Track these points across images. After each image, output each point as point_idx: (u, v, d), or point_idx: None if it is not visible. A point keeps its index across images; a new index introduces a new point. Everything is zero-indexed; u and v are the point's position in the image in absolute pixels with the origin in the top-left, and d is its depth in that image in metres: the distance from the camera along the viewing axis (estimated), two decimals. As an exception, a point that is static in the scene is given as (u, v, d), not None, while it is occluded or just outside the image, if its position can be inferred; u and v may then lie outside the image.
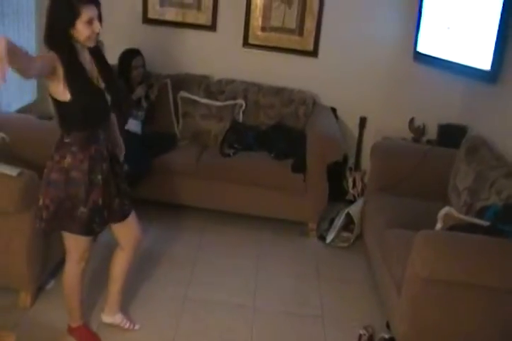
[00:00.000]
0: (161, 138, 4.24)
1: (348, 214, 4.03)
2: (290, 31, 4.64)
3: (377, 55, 4.64)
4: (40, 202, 2.44)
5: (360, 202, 4.13)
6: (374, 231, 3.60)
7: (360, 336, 2.99)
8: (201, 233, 4.04)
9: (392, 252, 3.10)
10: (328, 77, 4.67)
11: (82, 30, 2.25)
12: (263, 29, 4.66)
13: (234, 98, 4.45)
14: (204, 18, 4.69)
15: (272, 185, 3.99)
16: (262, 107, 4.47)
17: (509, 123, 3.77)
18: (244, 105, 4.44)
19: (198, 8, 4.68)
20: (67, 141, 2.39)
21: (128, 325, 2.89)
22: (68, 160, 2.39)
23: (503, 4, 3.55)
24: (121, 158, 2.78)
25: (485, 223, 2.84)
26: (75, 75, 2.29)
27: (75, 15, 2.22)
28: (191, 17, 4.68)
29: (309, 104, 4.48)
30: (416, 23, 4.39)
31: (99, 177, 2.45)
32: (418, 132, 4.56)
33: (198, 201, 4.12)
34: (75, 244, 2.56)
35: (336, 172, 4.36)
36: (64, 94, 2.28)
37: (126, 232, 2.69)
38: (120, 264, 2.75)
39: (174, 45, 4.73)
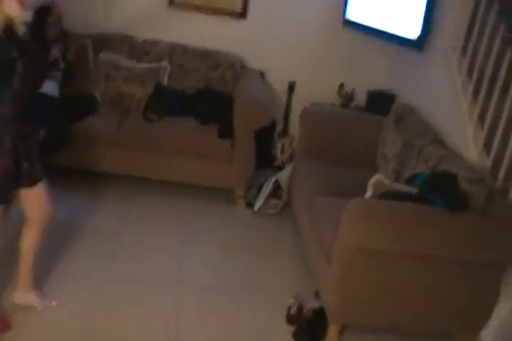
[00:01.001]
0: (80, 102, 3.99)
1: (277, 181, 3.96)
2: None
3: (307, 20, 4.53)
4: None
5: (288, 169, 4.07)
6: (303, 198, 3.55)
7: (290, 307, 2.94)
8: (124, 203, 3.86)
9: (322, 220, 3.06)
10: (257, 39, 4.52)
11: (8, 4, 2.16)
12: (191, -12, 4.42)
13: (159, 60, 4.22)
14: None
15: (198, 151, 3.86)
16: (188, 70, 4.27)
17: (434, 90, 3.79)
18: (169, 68, 4.22)
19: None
20: None
21: (42, 303, 2.68)
22: None
23: None
24: None
25: (414, 190, 2.83)
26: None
27: None
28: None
29: (237, 67, 4.33)
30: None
31: (8, 139, 2.27)
32: (347, 98, 4.52)
33: (120, 169, 3.93)
34: None
35: (264, 138, 4.25)
36: None
37: (35, 203, 2.50)
38: (28, 239, 2.56)
39: (95, 2, 4.42)
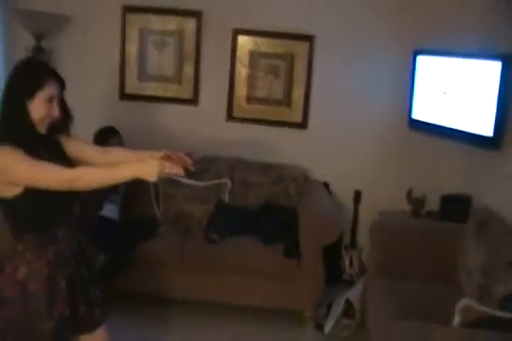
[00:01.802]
0: (141, 224, 3.90)
1: (348, 300, 3.65)
2: (277, 102, 4.42)
3: (369, 125, 4.42)
4: None
5: (359, 286, 3.76)
6: (378, 321, 3.21)
7: None
8: (189, 329, 3.61)
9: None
10: (318, 149, 4.42)
11: (39, 107, 1.98)
12: (248, 101, 4.44)
13: (219, 177, 4.14)
14: (185, 92, 4.48)
15: (263, 272, 3.63)
16: (250, 186, 4.16)
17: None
18: (230, 184, 4.13)
19: (179, 81, 4.48)
20: (19, 248, 2.03)
21: None
22: (23, 270, 2.01)
23: (502, 68, 3.38)
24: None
25: (509, 315, 2.49)
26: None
27: (38, 85, 1.97)
28: (172, 91, 4.48)
29: (300, 180, 4.18)
30: (409, 88, 4.19)
31: (63, 282, 2.08)
32: (417, 204, 4.25)
33: (183, 293, 3.72)
34: None
35: (331, 251, 4.00)
36: (11, 188, 1.95)
37: None
38: None
39: (154, 121, 4.49)
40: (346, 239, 4.32)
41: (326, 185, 4.35)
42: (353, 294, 3.68)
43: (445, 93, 3.93)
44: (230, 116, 4.46)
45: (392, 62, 4.33)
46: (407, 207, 4.25)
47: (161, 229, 3.93)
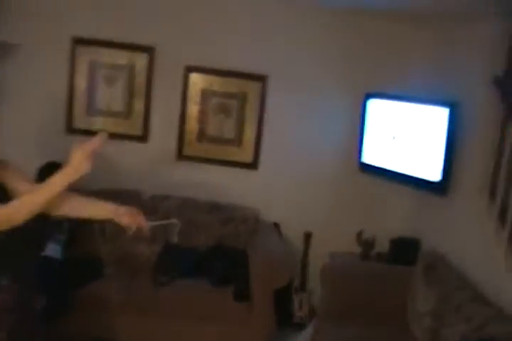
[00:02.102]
0: (85, 264, 3.74)
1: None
2: (228, 141, 4.38)
3: (320, 167, 4.43)
4: None
5: (309, 330, 3.69)
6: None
7: None
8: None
9: None
10: (269, 190, 4.39)
11: None
12: (199, 139, 4.39)
13: (167, 216, 4.01)
14: (135, 128, 4.39)
15: (213, 316, 3.53)
16: (200, 226, 4.06)
17: (462, 236, 3.55)
18: (179, 225, 4.01)
19: (127, 116, 4.39)
20: None
21: None
22: None
23: (449, 114, 3.46)
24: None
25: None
26: None
27: None
28: (121, 126, 4.37)
29: (251, 221, 4.13)
30: (359, 133, 4.23)
31: (3, 334, 1.93)
32: (367, 246, 4.26)
33: (129, 336, 3.56)
34: None
35: (281, 294, 3.92)
36: None
37: None
38: None
39: (101, 157, 4.32)
40: (296, 282, 4.25)
41: (277, 225, 4.31)
42: (303, 339, 3.61)
43: (394, 138, 3.99)
44: (180, 155, 4.39)
45: (344, 105, 4.38)
46: (357, 249, 4.25)
47: (106, 269, 3.77)
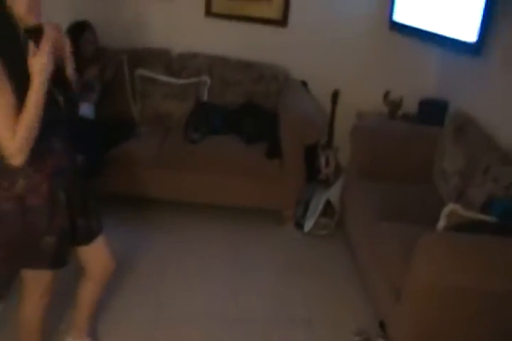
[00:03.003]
0: (118, 124, 3.80)
1: (328, 200, 3.74)
2: (258, -2, 4.19)
3: (350, 25, 4.28)
4: None
5: (338, 186, 3.85)
6: (360, 222, 3.34)
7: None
8: (169, 229, 3.67)
9: (387, 250, 2.85)
10: (298, 48, 4.29)
11: None
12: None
13: (198, 74, 4.01)
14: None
15: (245, 172, 3.65)
16: (229, 84, 4.05)
17: (495, 100, 3.54)
18: (209, 82, 4.01)
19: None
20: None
21: None
22: (21, 184, 1.89)
23: None
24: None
25: (492, 219, 2.61)
26: (15, 70, 1.75)
27: None
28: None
29: (281, 79, 4.10)
30: (392, -11, 4.04)
31: (62, 195, 1.98)
32: (394, 106, 4.27)
33: (163, 193, 3.73)
34: (38, 278, 2.11)
35: (308, 151, 4.02)
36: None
37: (95, 260, 2.26)
38: (88, 294, 2.36)
39: (129, 16, 4.22)
40: (322, 139, 4.34)
41: (304, 83, 4.29)
42: (333, 194, 3.78)
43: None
44: (209, 12, 4.23)
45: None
46: (383, 109, 4.28)
47: (138, 128, 3.84)
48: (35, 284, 2.14)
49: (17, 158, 1.78)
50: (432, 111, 4.02)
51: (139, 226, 3.66)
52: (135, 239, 3.52)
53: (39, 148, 1.87)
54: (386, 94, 4.28)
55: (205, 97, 4.00)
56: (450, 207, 2.68)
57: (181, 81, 3.95)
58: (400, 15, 4.06)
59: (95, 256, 2.25)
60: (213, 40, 4.24)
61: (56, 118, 1.96)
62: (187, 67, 4.03)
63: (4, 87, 1.72)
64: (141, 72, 3.96)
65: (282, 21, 4.25)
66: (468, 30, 3.49)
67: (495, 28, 3.44)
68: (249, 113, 3.86)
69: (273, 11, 4.23)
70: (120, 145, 3.62)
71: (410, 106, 4.22)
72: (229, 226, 3.76)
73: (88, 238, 2.17)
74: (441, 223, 2.67)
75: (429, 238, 2.47)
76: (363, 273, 3.21)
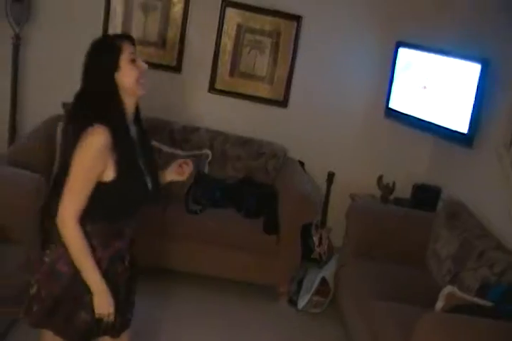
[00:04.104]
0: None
1: (323, 278, 3.77)
2: (260, 78, 4.42)
3: (348, 110, 4.51)
4: (34, 289, 1.94)
5: (332, 265, 3.90)
6: (354, 300, 3.37)
7: None
8: (164, 299, 3.61)
9: (386, 330, 2.87)
10: (297, 128, 4.47)
11: (128, 71, 1.90)
12: (231, 74, 4.42)
13: (200, 147, 4.12)
14: (168, 58, 4.39)
15: (243, 245, 3.68)
16: (229, 159, 4.17)
17: (486, 189, 3.69)
18: (210, 155, 4.12)
19: (163, 46, 4.38)
20: (88, 229, 1.88)
21: None
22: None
23: (481, 70, 3.52)
24: None
25: (488, 303, 2.68)
26: (125, 147, 1.88)
27: (117, 51, 1.88)
28: (155, 56, 4.35)
29: (280, 157, 4.24)
30: (389, 78, 4.29)
31: (113, 278, 1.98)
32: (386, 190, 4.41)
33: (160, 262, 3.71)
34: None
35: (301, 230, 4.10)
36: (106, 172, 1.85)
37: None
38: None
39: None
40: (316, 219, 4.42)
41: (301, 163, 4.43)
42: (328, 273, 3.81)
43: (425, 87, 4.05)
44: (212, 88, 4.43)
45: (375, 51, 4.43)
46: (376, 192, 4.41)
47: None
48: None
49: (60, 224, 1.84)
50: (425, 196, 4.16)
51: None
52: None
53: (115, 228, 1.95)
54: (380, 178, 4.43)
55: (206, 170, 4.10)
56: (448, 289, 2.75)
57: (184, 153, 4.05)
58: (396, 103, 4.29)
59: None
60: (215, 115, 4.40)
61: (141, 203, 2.05)
62: (190, 140, 4.14)
63: (102, 164, 1.82)
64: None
65: (283, 102, 4.46)
66: (460, 122, 3.71)
67: (485, 121, 3.67)
68: (248, 187, 3.95)
69: (274, 92, 4.44)
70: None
71: (402, 190, 4.37)
72: (223, 299, 3.74)
73: (118, 330, 2.08)
74: (440, 304, 2.72)
75: (428, 319, 2.51)
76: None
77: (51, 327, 1.97)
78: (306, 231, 4.15)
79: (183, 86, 4.43)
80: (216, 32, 4.36)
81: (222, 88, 4.44)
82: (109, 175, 1.85)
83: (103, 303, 1.91)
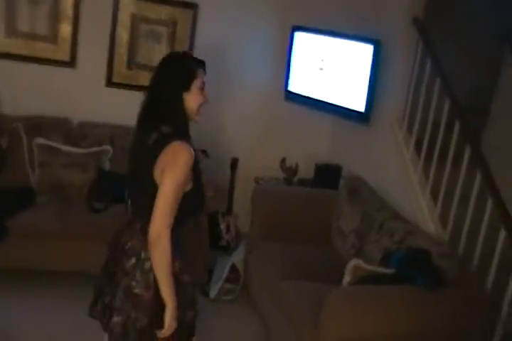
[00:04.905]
0: (15, 193, 3.67)
1: (233, 266, 3.78)
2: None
3: (248, 95, 4.54)
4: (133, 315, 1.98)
5: (241, 251, 3.90)
6: (265, 283, 3.40)
7: None
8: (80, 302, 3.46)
9: (295, 309, 2.92)
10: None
11: (196, 95, 2.02)
12: (129, 66, 4.31)
13: (99, 144, 4.00)
14: (61, 53, 4.20)
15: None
16: (131, 154, 4.06)
17: (383, 165, 3.86)
18: (111, 151, 4.01)
19: (54, 40, 4.17)
20: (176, 237, 1.97)
21: None
22: (179, 262, 2.02)
23: (373, 51, 3.66)
24: None
25: (391, 271, 2.79)
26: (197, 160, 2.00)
27: (193, 76, 2.02)
28: (45, 51, 4.16)
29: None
30: (286, 63, 4.35)
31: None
32: (290, 172, 4.48)
33: (66, 265, 3.57)
34: None
35: (208, 218, 4.08)
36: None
37: None
38: None
39: (25, 83, 4.16)
40: (223, 207, 4.41)
41: (204, 151, 4.38)
42: (237, 259, 3.82)
43: (321, 69, 4.14)
44: (110, 81, 4.30)
45: (272, 36, 4.49)
46: (280, 175, 4.46)
47: (39, 198, 3.73)
48: None
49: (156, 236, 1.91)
50: (327, 175, 4.26)
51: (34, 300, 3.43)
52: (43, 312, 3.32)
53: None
54: (283, 161, 4.49)
55: (106, 166, 3.98)
56: (353, 262, 2.82)
57: (82, 150, 3.92)
58: (295, 86, 4.37)
59: None
60: (115, 109, 4.25)
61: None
62: (87, 137, 4.01)
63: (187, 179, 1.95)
64: (39, 140, 3.87)
65: (182, 90, 4.39)
66: (357, 101, 3.85)
67: (379, 100, 3.81)
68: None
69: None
70: (17, 214, 3.48)
71: (306, 171, 4.45)
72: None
73: None
74: (347, 278, 2.79)
75: (335, 294, 2.59)
76: (275, 334, 3.23)
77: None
78: (212, 220, 4.15)
79: (79, 81, 4.27)
80: (111, 23, 4.23)
81: (121, 81, 4.32)
82: (188, 185, 1.98)
83: (174, 319, 1.95)
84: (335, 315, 2.51)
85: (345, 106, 3.94)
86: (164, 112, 2.01)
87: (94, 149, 3.96)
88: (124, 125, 4.15)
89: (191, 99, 2.02)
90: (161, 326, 1.94)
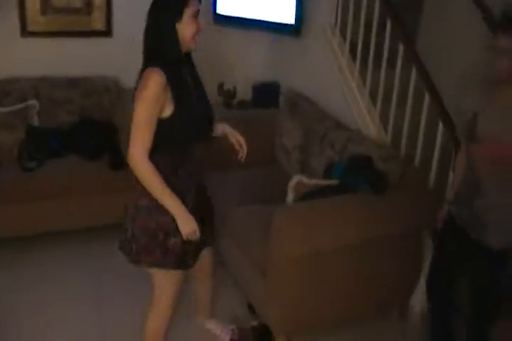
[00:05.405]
0: None
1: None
2: (76, 11, 4.04)
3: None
4: (129, 233, 2.16)
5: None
6: (218, 211, 3.33)
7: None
8: (18, 268, 3.36)
9: (247, 233, 2.91)
10: (125, 57, 4.16)
11: (189, 25, 2.05)
12: (43, 12, 3.99)
13: (23, 99, 3.79)
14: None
15: (93, 189, 3.52)
16: (60, 104, 3.87)
17: (319, 74, 3.75)
18: (37, 106, 3.81)
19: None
20: (156, 159, 2.05)
21: None
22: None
23: None
24: None
25: (335, 182, 2.74)
26: (179, 86, 2.05)
27: (184, 4, 2.02)
28: None
29: (113, 90, 4.00)
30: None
31: (189, 205, 2.17)
32: (228, 96, 4.36)
33: (3, 230, 3.44)
34: (168, 283, 2.26)
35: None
36: (164, 110, 2.02)
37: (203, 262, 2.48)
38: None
39: None
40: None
41: (138, 90, 4.23)
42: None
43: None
44: (25, 31, 4.00)
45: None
46: (219, 100, 4.33)
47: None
48: (166, 290, 2.27)
49: (131, 161, 2.02)
50: (266, 94, 4.13)
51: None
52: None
53: (178, 157, 2.17)
54: (220, 86, 4.35)
55: (35, 122, 3.81)
56: (295, 179, 2.76)
57: (5, 109, 3.72)
58: (223, 8, 4.20)
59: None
60: (35, 60, 4.02)
61: (201, 134, 2.34)
62: (9, 94, 3.79)
63: (160, 103, 1.98)
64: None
65: (106, 32, 4.17)
66: (286, 13, 3.73)
67: (309, 9, 3.68)
68: (84, 129, 3.72)
69: (95, 22, 4.12)
70: None
71: (246, 93, 4.31)
72: (84, 250, 3.59)
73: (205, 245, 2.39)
74: (290, 196, 2.74)
75: (280, 213, 2.54)
76: (231, 262, 3.18)
77: (150, 262, 2.17)
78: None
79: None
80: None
81: (36, 29, 4.01)
82: (167, 111, 2.01)
83: (187, 223, 2.11)
84: (281, 234, 2.47)
85: (276, 20, 3.83)
86: (160, 44, 2.05)
87: (19, 106, 3.76)
88: (47, 75, 3.97)
89: (184, 29, 2.04)
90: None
